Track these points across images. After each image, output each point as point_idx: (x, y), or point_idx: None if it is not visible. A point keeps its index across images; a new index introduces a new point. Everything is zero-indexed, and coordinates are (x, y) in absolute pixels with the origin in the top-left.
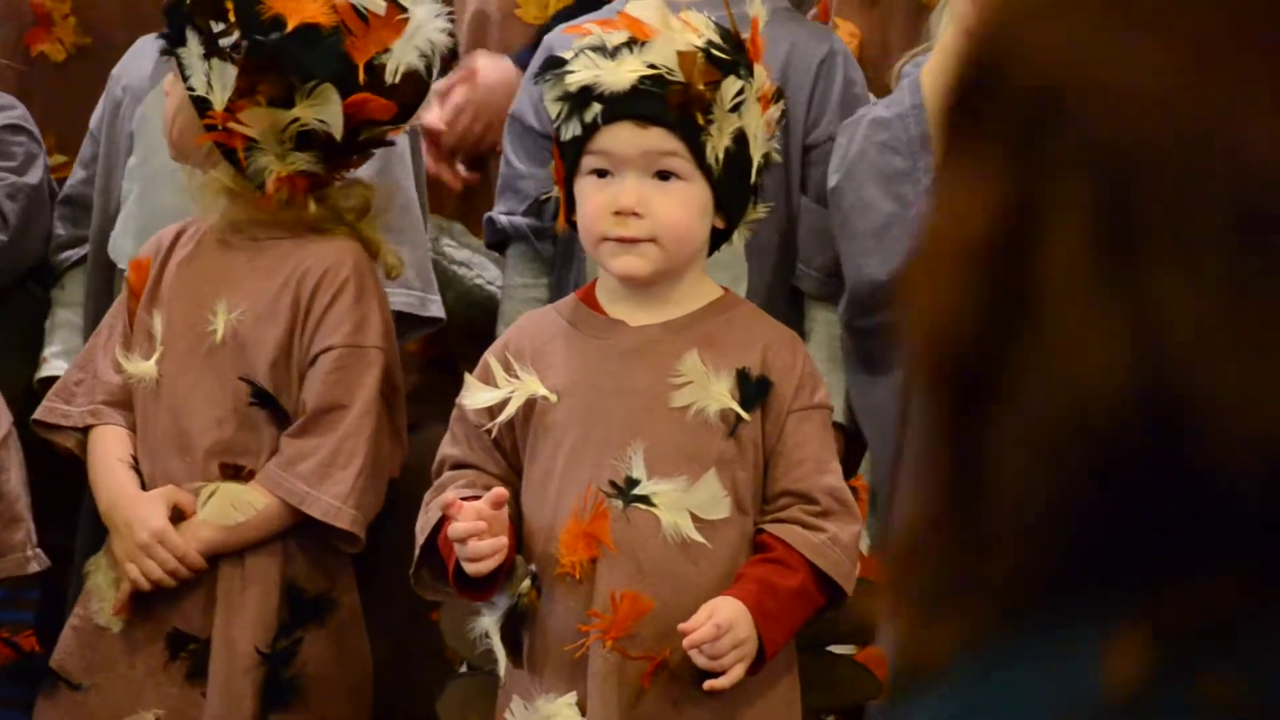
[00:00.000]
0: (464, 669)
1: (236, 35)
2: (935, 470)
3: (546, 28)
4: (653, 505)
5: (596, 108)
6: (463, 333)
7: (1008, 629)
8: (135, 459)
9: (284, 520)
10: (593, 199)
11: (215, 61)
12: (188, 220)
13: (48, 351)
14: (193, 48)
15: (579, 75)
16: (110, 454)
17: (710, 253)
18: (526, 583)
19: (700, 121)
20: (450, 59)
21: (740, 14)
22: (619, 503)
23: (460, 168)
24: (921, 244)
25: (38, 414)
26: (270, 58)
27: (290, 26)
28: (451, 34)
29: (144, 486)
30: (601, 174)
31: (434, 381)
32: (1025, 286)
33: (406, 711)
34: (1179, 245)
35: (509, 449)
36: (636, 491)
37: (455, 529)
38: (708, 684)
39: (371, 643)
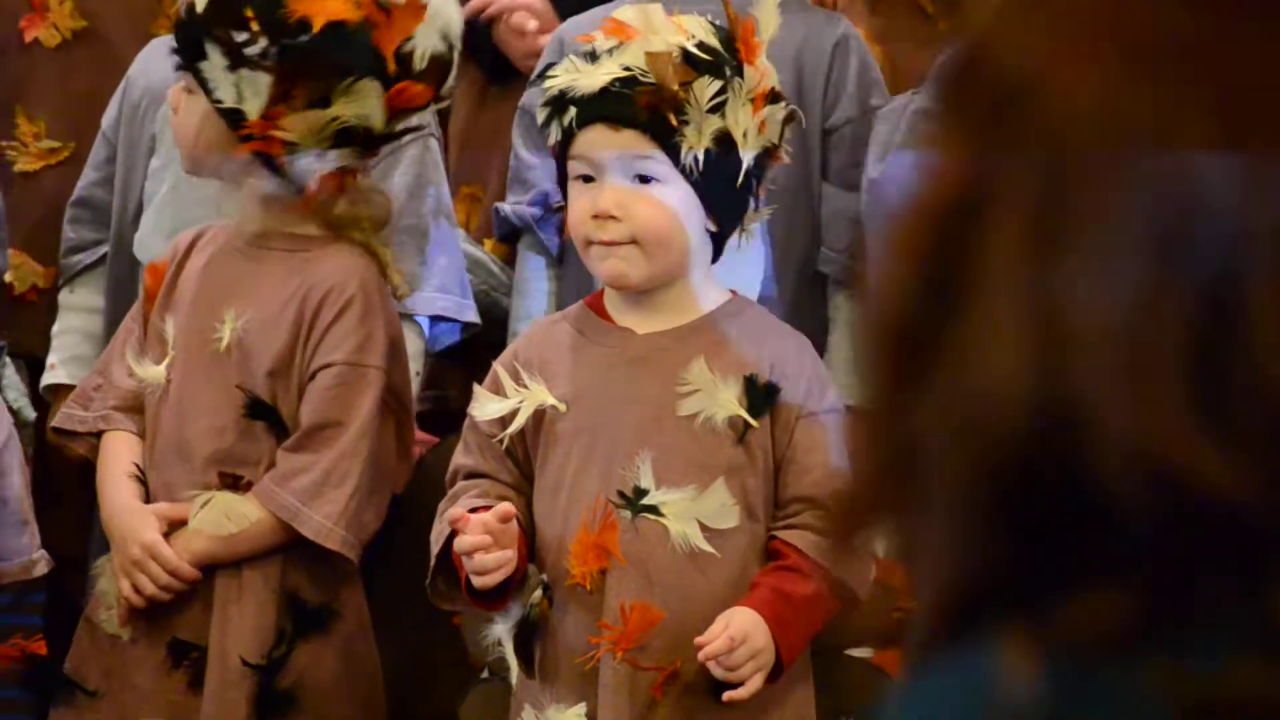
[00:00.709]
0: (485, 674)
1: (264, 43)
2: (872, 436)
3: None
4: (661, 515)
5: (572, 111)
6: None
7: (932, 624)
8: (142, 466)
9: (277, 534)
10: (576, 203)
11: (244, 72)
12: (204, 226)
13: (53, 358)
14: (215, 60)
15: (558, 80)
16: (116, 463)
17: (715, 258)
18: (538, 593)
19: (674, 123)
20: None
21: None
22: (627, 513)
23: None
24: (894, 213)
25: (55, 420)
26: (304, 60)
27: (318, 27)
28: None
29: (150, 494)
30: (587, 179)
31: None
32: (966, 262)
33: (427, 717)
34: (1097, 254)
35: (521, 458)
36: (644, 501)
37: (461, 542)
38: (726, 695)
39: (389, 649)
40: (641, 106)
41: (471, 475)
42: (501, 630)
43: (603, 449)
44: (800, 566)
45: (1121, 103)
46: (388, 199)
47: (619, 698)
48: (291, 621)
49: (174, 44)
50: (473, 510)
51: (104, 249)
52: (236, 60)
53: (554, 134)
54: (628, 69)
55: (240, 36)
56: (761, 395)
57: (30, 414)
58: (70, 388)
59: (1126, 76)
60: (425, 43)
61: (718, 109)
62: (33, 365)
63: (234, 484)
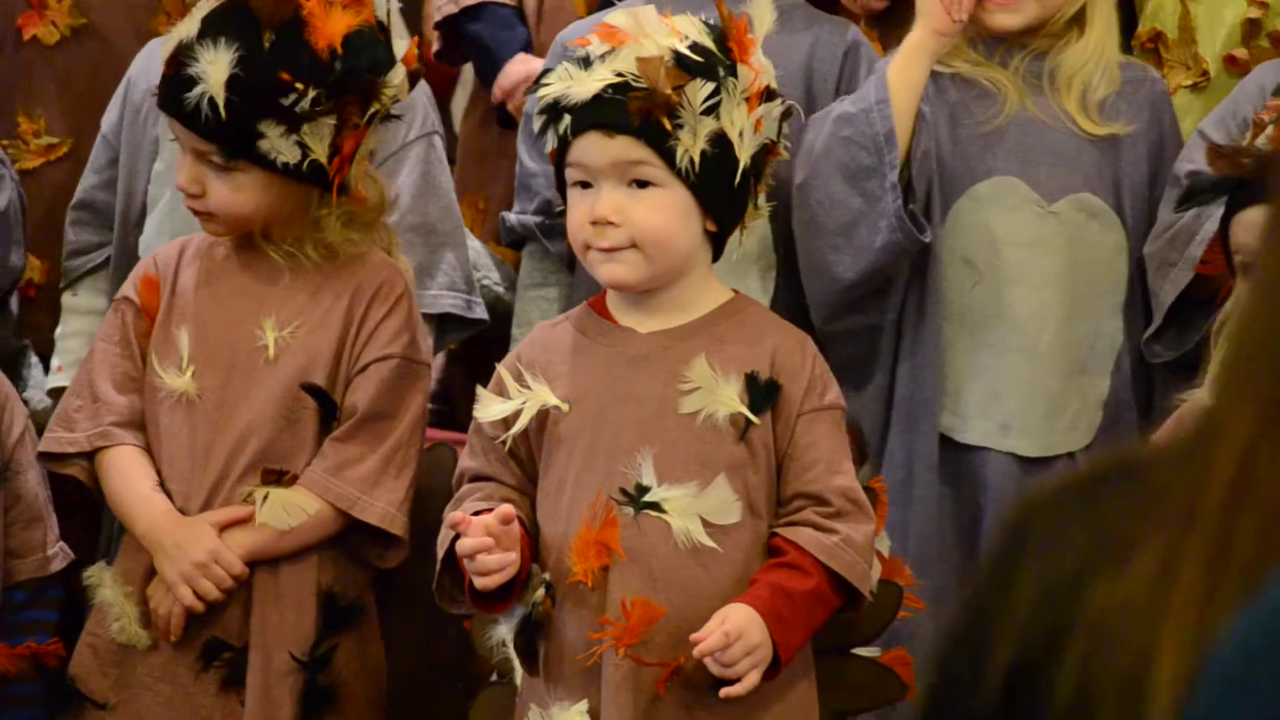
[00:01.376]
0: (495, 678)
1: (312, 92)
2: None
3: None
4: (663, 511)
5: (567, 119)
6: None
7: None
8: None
9: (327, 527)
10: (574, 209)
11: (307, 126)
12: (185, 239)
13: (58, 360)
14: (273, 134)
15: (552, 88)
16: (140, 477)
17: (715, 258)
18: (540, 592)
19: (668, 127)
20: None
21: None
22: (629, 510)
23: None
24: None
25: (42, 446)
26: (348, 82)
27: (341, 48)
28: None
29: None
30: (585, 185)
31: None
32: None
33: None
34: None
35: (525, 459)
36: (646, 498)
37: (463, 545)
38: (723, 691)
39: (400, 653)
40: (634, 112)
41: (477, 478)
42: (505, 631)
43: (605, 447)
44: (800, 563)
45: None
46: (379, 182)
47: (622, 694)
48: (329, 619)
49: (205, 143)
50: (476, 513)
51: (106, 252)
52: (294, 121)
53: (550, 141)
54: (620, 75)
55: (289, 99)
56: (763, 392)
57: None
58: None
59: None
60: (380, 10)
61: (712, 110)
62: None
63: (277, 480)
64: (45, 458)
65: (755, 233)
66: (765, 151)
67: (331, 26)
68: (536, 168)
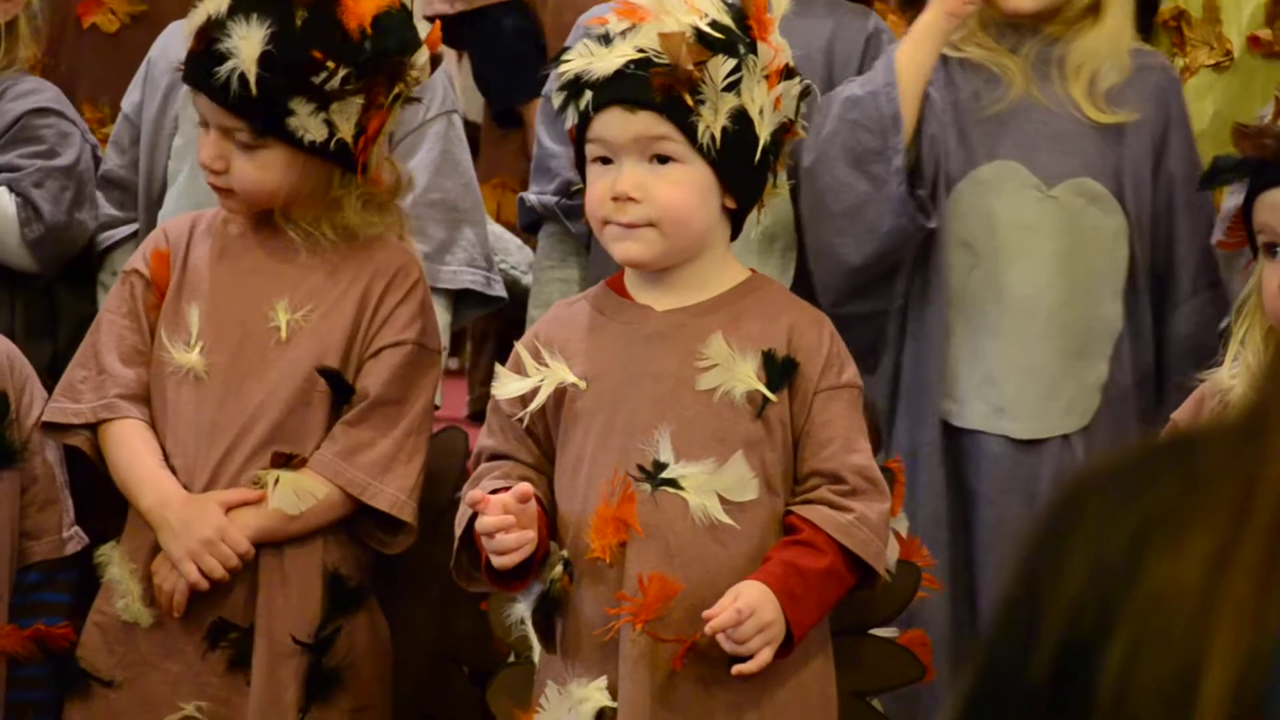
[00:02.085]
0: (512, 659)
1: (343, 70)
2: None
3: None
4: (680, 488)
5: (588, 95)
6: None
7: None
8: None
9: (340, 510)
10: (594, 185)
11: (335, 105)
12: (195, 214)
13: None
14: (302, 111)
15: (572, 64)
16: (146, 452)
17: (734, 235)
18: (559, 569)
19: (690, 103)
20: None
21: None
22: (647, 486)
23: None
24: None
25: (46, 416)
26: (379, 62)
27: (371, 28)
28: None
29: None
30: (606, 161)
31: None
32: None
33: (455, 702)
34: None
35: (542, 437)
36: (664, 475)
37: (482, 523)
38: (735, 668)
39: (417, 635)
40: (657, 87)
41: (495, 456)
42: (523, 609)
43: (621, 424)
44: (814, 541)
45: None
46: (395, 165)
47: (639, 670)
48: (334, 601)
49: (233, 119)
50: (494, 491)
51: (133, 227)
52: (324, 100)
53: (570, 117)
54: (641, 50)
55: (319, 77)
56: (780, 370)
57: None
58: None
59: None
60: None
61: (733, 87)
62: None
63: (286, 462)
64: (49, 428)
65: (777, 213)
66: (783, 130)
67: (362, 6)
68: (556, 148)
